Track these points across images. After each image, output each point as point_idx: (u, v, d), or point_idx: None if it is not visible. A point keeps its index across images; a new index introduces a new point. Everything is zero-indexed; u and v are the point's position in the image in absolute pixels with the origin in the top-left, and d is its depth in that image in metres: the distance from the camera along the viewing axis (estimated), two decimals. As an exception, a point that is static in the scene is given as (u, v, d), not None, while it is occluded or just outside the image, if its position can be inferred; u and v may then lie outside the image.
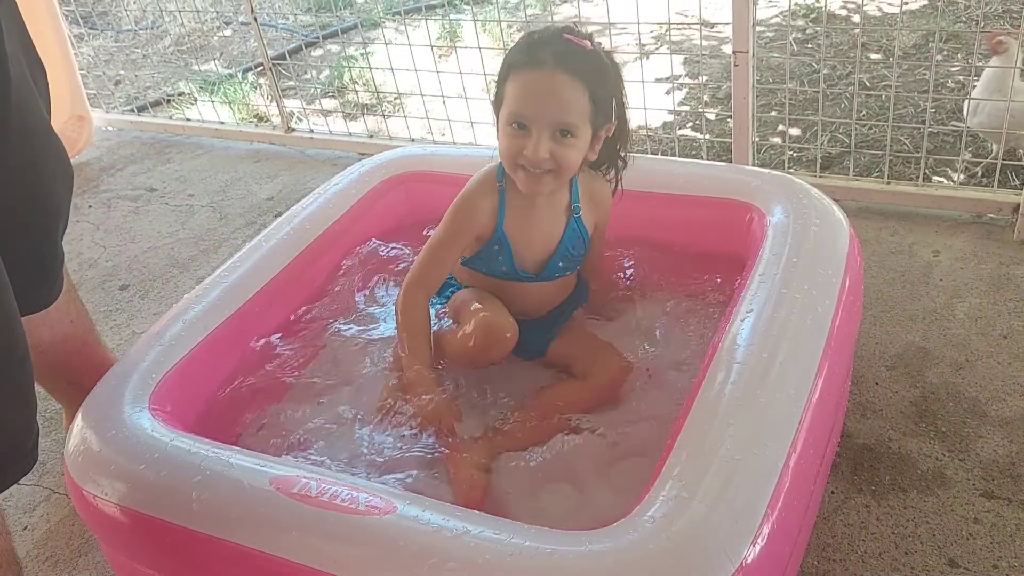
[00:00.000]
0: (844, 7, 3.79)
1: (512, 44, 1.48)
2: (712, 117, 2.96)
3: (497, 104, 1.47)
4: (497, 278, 1.59)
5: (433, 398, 1.45)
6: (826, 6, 2.73)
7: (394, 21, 3.90)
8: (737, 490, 1.08)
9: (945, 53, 3.17)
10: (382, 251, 1.91)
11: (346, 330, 1.72)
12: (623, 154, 1.57)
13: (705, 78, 3.22)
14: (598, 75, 1.42)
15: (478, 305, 1.53)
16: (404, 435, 1.43)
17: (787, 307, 1.35)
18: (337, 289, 1.81)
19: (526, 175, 1.44)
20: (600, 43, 1.47)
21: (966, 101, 2.41)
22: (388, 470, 1.39)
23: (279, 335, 1.69)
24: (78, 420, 1.38)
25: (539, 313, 1.63)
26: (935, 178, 2.37)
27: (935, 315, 1.85)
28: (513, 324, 1.51)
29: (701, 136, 2.80)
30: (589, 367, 1.55)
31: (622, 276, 1.77)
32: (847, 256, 1.49)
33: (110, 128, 3.47)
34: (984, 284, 1.92)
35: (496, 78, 1.48)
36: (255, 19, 2.92)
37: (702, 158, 2.65)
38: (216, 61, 4.10)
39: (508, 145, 1.43)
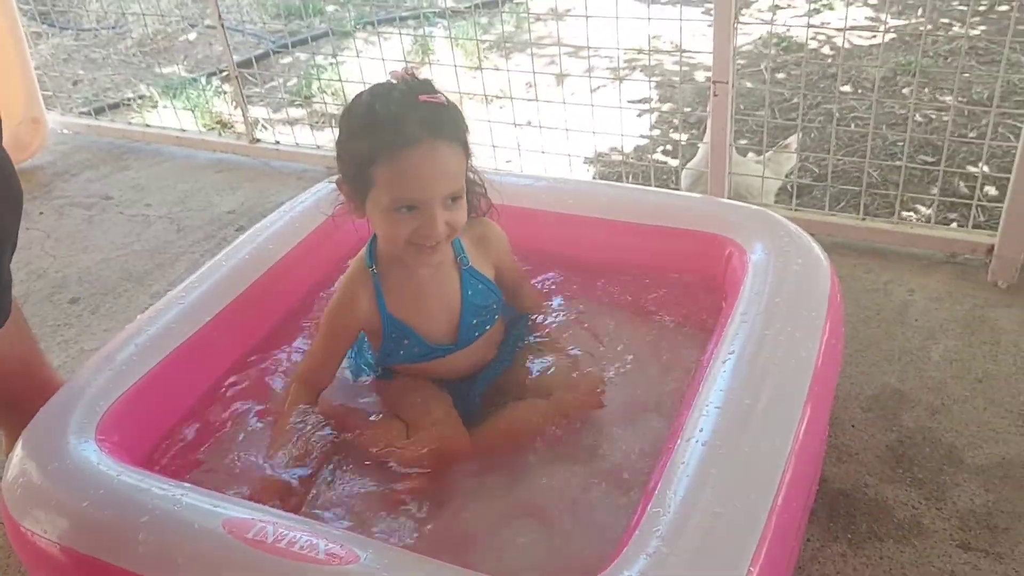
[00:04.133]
0: (815, 38, 3.81)
1: (351, 116, 1.34)
2: (683, 140, 2.93)
3: (359, 189, 1.33)
4: (418, 362, 1.49)
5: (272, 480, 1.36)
6: (806, 37, 2.71)
7: (365, 31, 3.83)
8: (718, 545, 1.05)
9: (912, 86, 3.18)
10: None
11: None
12: (477, 180, 1.46)
13: (671, 105, 3.20)
14: (462, 126, 1.35)
15: (425, 410, 1.42)
16: (369, 476, 1.36)
17: (769, 349, 1.32)
18: (303, 314, 1.73)
19: (419, 250, 1.34)
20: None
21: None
22: (353, 512, 1.32)
23: (239, 362, 1.61)
24: (18, 449, 1.30)
25: (475, 370, 1.53)
26: (904, 213, 2.36)
27: (911, 356, 1.83)
28: (466, 437, 1.40)
29: (673, 161, 2.78)
30: (551, 383, 1.46)
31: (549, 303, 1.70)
32: (829, 296, 1.45)
33: (66, 131, 3.34)
34: (958, 326, 1.91)
35: (343, 157, 1.35)
36: (222, 24, 2.84)
37: (675, 182, 2.62)
38: (179, 65, 3.99)
39: (396, 230, 1.32)
